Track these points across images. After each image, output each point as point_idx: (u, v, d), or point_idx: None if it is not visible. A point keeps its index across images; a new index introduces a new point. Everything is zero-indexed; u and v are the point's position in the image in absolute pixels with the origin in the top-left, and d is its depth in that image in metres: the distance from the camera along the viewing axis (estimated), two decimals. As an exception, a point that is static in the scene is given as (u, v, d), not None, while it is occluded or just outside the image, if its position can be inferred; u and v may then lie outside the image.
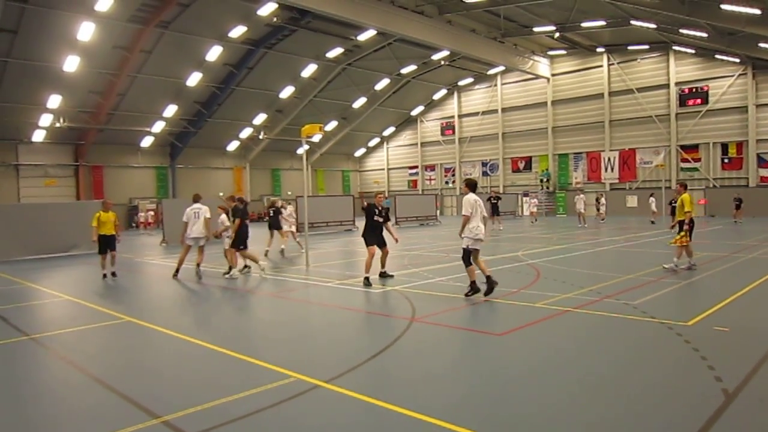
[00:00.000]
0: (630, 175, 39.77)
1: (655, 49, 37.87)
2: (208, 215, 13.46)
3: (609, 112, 40.59)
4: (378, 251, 11.68)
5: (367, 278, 11.31)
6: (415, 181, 52.93)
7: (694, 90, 37.00)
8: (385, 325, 8.21)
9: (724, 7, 23.68)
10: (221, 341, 7.27)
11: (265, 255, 17.02)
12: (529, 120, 45.12)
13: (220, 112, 40.48)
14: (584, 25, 33.43)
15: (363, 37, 34.36)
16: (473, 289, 9.53)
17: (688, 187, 14.02)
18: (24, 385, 5.91)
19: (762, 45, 29.36)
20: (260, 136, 38.86)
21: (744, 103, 35.09)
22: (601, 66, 40.75)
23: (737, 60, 34.47)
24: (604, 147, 40.86)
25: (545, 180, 43.61)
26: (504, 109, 46.54)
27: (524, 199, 42.20)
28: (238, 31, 31.59)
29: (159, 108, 37.41)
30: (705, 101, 36.56)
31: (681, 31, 30.61)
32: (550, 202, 43.20)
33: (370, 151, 56.89)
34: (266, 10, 28.85)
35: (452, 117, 50.22)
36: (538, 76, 43.03)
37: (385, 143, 55.64)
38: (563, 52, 42.01)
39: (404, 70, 43.10)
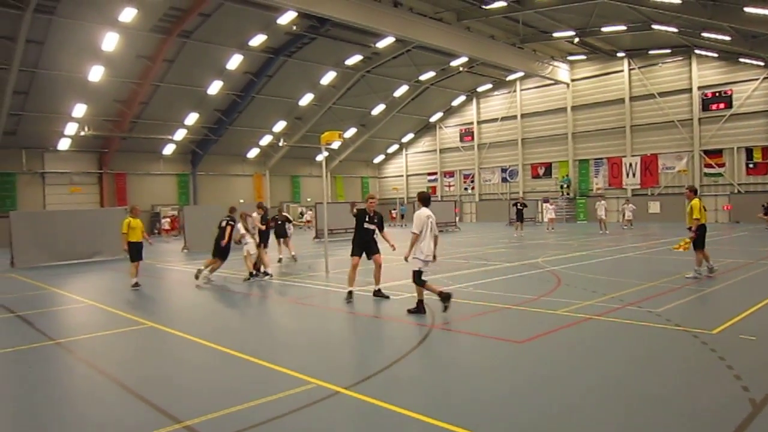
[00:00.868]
0: (652, 180, 39.22)
1: (677, 53, 37.36)
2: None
3: (630, 117, 40.12)
4: (372, 263, 10.61)
5: (349, 292, 10.44)
6: (434, 188, 52.83)
7: (717, 94, 36.40)
8: (405, 332, 8.18)
9: (748, 9, 23.29)
10: (241, 347, 7.32)
11: (279, 261, 17.59)
12: (548, 126, 44.80)
13: (240, 120, 40.92)
14: (604, 29, 33.13)
15: (382, 44, 34.49)
16: (419, 308, 8.89)
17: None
18: (49, 388, 6.02)
19: (788, 48, 28.86)
20: (280, 144, 39.18)
21: (769, 107, 34.49)
22: (621, 71, 40.33)
23: (762, 63, 33.84)
24: (626, 152, 40.35)
25: (565, 186, 43.18)
26: (523, 115, 46.27)
27: (544, 205, 41.97)
28: (258, 40, 31.94)
29: (180, 116, 37.96)
30: (729, 105, 35.95)
31: (703, 34, 30.15)
32: (571, 208, 42.79)
33: (389, 157, 56.97)
34: (286, 19, 29.17)
35: (471, 123, 50.07)
36: (557, 82, 42.73)
37: (404, 150, 55.67)
38: (583, 57, 41.69)
39: (423, 77, 43.13)
